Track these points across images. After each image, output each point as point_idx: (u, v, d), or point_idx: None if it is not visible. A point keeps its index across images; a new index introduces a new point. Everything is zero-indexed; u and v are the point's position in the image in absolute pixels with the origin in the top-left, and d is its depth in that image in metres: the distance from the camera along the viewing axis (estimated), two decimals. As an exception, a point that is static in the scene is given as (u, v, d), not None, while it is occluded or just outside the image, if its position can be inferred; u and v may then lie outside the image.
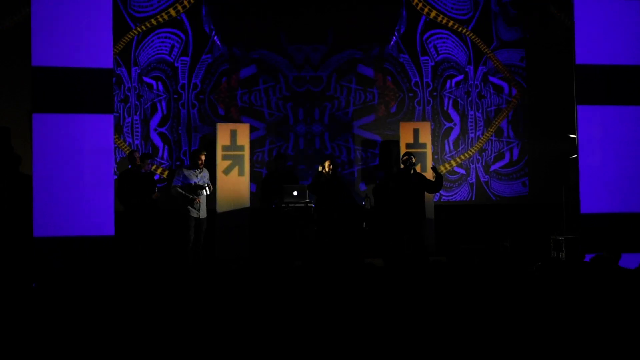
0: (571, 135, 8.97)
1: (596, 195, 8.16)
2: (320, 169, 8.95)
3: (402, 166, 8.41)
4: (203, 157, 8.59)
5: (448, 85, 10.54)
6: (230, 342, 3.95)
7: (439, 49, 10.53)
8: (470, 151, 10.52)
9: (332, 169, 8.87)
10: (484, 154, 10.57)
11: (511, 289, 4.67)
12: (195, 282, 4.95)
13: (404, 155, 8.48)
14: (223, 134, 9.47)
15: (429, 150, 9.79)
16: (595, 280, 4.93)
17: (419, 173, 8.56)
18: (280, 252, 8.95)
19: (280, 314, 4.21)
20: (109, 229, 7.38)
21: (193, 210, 8.42)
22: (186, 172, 8.50)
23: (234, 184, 9.39)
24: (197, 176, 8.47)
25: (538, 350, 3.94)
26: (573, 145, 8.76)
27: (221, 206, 9.32)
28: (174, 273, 7.04)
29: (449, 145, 10.52)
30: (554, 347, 3.96)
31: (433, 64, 10.51)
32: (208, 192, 8.52)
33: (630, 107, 8.27)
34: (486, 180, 10.55)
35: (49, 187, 7.22)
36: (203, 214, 8.53)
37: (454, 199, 10.45)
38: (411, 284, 4.80)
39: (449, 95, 10.55)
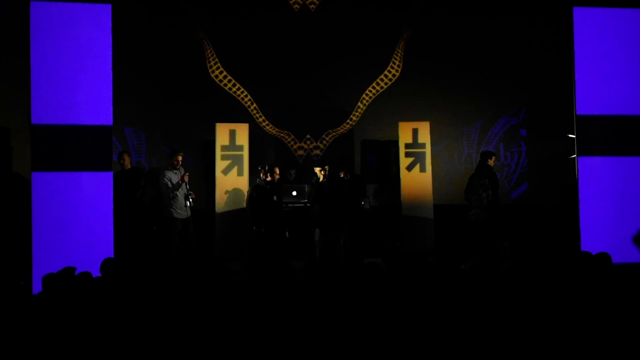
0: (570, 135, 8.97)
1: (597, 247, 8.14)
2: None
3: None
4: (180, 158, 8.78)
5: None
6: (231, 343, 3.95)
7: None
8: None
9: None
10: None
11: (506, 289, 4.67)
12: (195, 283, 4.94)
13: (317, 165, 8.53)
14: (222, 134, 9.46)
15: (427, 150, 9.78)
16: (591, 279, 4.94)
17: (341, 180, 8.70)
18: (280, 253, 8.95)
19: (282, 315, 4.21)
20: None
21: (177, 211, 8.54)
22: (168, 173, 8.65)
23: (232, 184, 9.38)
24: (177, 177, 8.68)
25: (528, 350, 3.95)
26: (572, 145, 8.78)
27: (220, 206, 9.31)
28: (173, 274, 7.02)
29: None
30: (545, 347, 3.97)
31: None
32: (191, 203, 8.68)
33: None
34: None
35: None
36: (187, 213, 8.69)
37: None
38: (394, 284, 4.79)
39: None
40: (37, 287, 7.02)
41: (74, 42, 7.41)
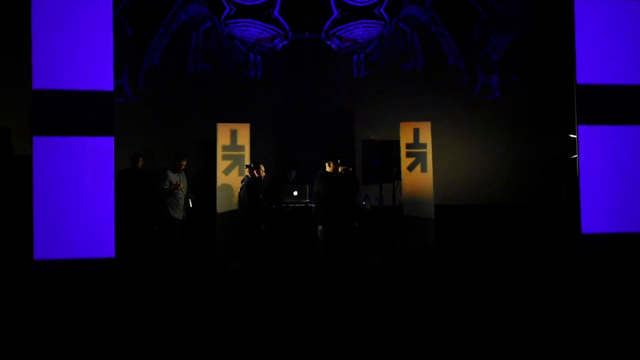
0: (571, 135, 8.97)
1: (597, 216, 8.10)
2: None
3: (327, 169, 8.60)
4: (184, 163, 9.06)
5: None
6: (231, 342, 3.95)
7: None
8: None
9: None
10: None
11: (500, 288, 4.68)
12: (195, 283, 4.95)
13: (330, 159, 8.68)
14: (223, 134, 9.47)
15: (429, 150, 9.78)
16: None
17: (345, 176, 8.68)
18: (280, 252, 8.96)
19: (282, 315, 4.22)
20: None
21: (174, 211, 8.70)
22: (170, 174, 8.81)
23: (234, 184, 9.37)
24: (178, 179, 8.93)
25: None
26: (573, 145, 8.76)
27: (221, 206, 9.31)
28: (173, 274, 7.04)
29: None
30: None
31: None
32: (191, 204, 8.93)
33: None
34: None
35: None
36: (182, 214, 8.96)
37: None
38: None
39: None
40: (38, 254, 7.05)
41: (75, 6, 7.36)
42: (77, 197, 7.29)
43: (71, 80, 7.30)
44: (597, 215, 8.02)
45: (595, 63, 8.10)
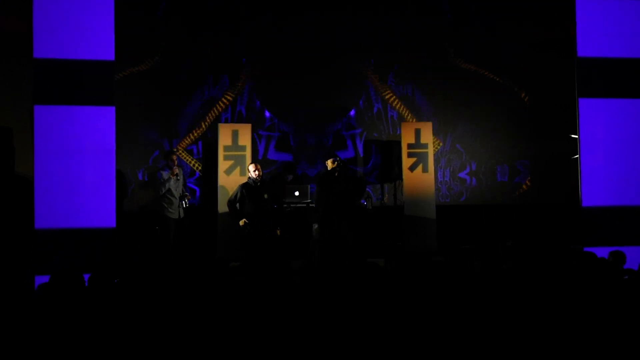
0: (573, 135, 8.95)
1: (597, 189, 8.07)
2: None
3: (328, 168, 8.53)
4: (174, 158, 9.00)
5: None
6: (230, 343, 3.95)
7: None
8: None
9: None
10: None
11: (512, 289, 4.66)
12: (195, 282, 4.94)
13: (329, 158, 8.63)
14: (224, 134, 9.47)
15: (430, 150, 9.78)
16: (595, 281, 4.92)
17: (347, 177, 8.63)
18: (281, 253, 8.95)
19: (281, 315, 4.21)
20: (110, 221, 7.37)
21: (169, 211, 8.69)
22: (162, 173, 8.86)
23: (235, 184, 9.35)
24: (172, 176, 8.83)
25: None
26: (574, 145, 8.75)
27: (222, 206, 9.31)
28: (173, 273, 7.01)
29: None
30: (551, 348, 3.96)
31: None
32: (186, 204, 8.87)
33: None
34: None
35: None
36: (180, 214, 8.88)
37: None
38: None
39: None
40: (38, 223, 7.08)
41: None
42: (78, 167, 7.27)
43: (72, 49, 7.27)
44: (596, 188, 8.02)
45: (595, 36, 8.05)
